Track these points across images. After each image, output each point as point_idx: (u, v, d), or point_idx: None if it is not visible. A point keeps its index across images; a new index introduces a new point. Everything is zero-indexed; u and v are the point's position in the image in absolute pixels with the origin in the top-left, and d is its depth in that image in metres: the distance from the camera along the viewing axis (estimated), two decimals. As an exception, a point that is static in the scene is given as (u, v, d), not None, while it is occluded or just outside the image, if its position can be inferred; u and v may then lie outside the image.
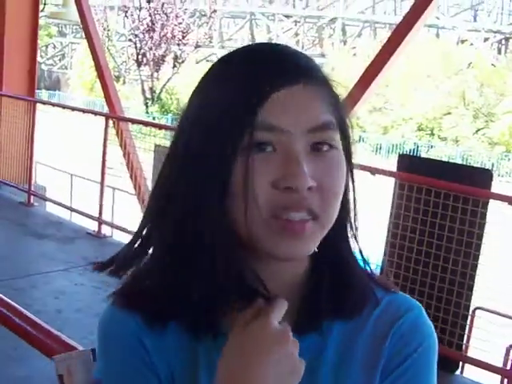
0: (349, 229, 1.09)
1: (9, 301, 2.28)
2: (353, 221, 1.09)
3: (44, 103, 10.92)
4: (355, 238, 1.10)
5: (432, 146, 32.44)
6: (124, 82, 39.55)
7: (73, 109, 10.13)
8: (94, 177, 9.66)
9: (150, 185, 7.80)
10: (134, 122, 9.87)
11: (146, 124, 10.01)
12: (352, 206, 1.08)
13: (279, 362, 0.94)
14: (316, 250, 1.04)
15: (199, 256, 1.01)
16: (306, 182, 0.95)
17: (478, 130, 32.92)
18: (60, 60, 52.65)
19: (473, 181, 5.17)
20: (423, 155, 27.70)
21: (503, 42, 44.67)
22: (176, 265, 1.04)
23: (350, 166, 1.05)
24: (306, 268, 1.09)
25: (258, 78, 0.98)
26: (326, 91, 1.01)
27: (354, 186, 1.07)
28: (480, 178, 5.27)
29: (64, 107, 10.48)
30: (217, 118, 0.98)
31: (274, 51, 1.03)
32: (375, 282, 1.12)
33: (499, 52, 42.77)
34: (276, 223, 0.97)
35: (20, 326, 2.18)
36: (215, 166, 0.97)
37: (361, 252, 1.12)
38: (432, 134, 34.09)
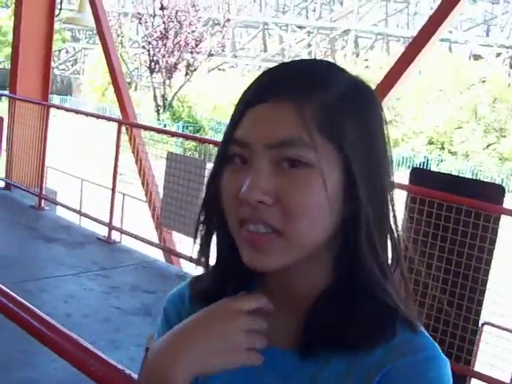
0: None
1: (25, 303, 2.30)
2: (373, 245, 1.03)
3: (58, 108, 10.98)
4: (377, 264, 1.04)
5: (442, 160, 32.38)
6: (136, 89, 39.67)
7: (86, 114, 10.17)
8: (103, 182, 9.69)
9: (161, 192, 7.81)
10: (147, 128, 9.90)
11: (159, 131, 10.03)
12: (366, 227, 1.02)
13: (220, 335, 1.00)
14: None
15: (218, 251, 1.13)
16: (254, 195, 0.97)
17: (489, 145, 32.86)
18: (72, 65, 52.88)
19: (485, 196, 5.16)
20: (433, 169, 27.67)
21: (516, 57, 44.64)
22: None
23: (359, 185, 1.01)
24: (326, 287, 1.08)
25: (244, 96, 1.05)
26: (300, 108, 0.98)
27: (367, 206, 1.02)
28: (492, 193, 5.26)
29: (78, 112, 10.53)
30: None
31: (272, 70, 1.07)
32: (402, 316, 1.04)
33: (511, 67, 42.72)
34: (242, 233, 1.02)
35: (37, 328, 2.20)
36: (210, 179, 1.08)
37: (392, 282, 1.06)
38: (442, 148, 34.02)
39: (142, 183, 8.95)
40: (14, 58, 10.62)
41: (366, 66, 37.41)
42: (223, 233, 1.08)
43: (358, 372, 1.02)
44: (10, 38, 30.18)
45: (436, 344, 1.02)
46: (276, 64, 1.09)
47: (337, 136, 1.00)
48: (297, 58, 1.12)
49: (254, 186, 0.98)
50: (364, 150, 1.02)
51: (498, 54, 43.20)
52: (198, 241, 1.13)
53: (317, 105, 1.00)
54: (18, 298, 2.35)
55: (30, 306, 2.29)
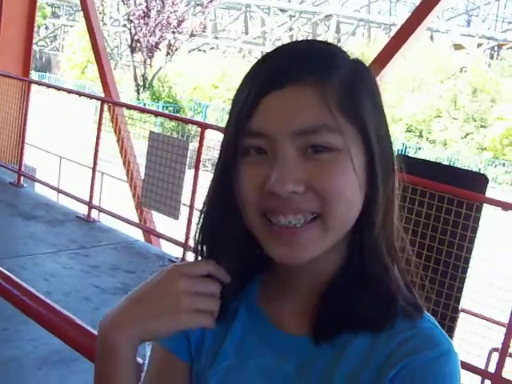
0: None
1: (13, 276, 2.31)
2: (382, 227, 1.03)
3: (39, 84, 10.86)
4: (389, 250, 1.04)
5: (420, 148, 32.56)
6: (115, 67, 39.40)
7: (68, 91, 10.08)
8: (81, 160, 9.62)
9: (143, 171, 7.77)
10: (130, 107, 9.82)
11: (143, 110, 9.96)
12: (380, 209, 1.02)
13: (162, 297, 1.00)
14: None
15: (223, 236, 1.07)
16: (286, 187, 0.95)
17: (467, 134, 33.08)
18: (52, 42, 52.39)
19: (468, 184, 5.19)
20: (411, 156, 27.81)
21: (496, 48, 44.85)
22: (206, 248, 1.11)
23: (377, 167, 1.00)
24: (336, 271, 1.06)
25: (252, 85, 1.00)
26: (322, 93, 0.96)
27: (381, 188, 1.01)
28: (475, 182, 5.29)
29: (59, 89, 10.41)
30: (227, 124, 1.05)
31: (277, 53, 1.02)
32: (408, 301, 1.03)
33: (491, 58, 42.94)
34: (268, 227, 0.99)
35: (25, 302, 2.21)
36: (222, 171, 1.03)
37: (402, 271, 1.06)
38: (421, 136, 34.21)
39: (124, 163, 8.89)
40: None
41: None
42: (229, 226, 1.05)
43: (376, 359, 1.00)
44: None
45: (448, 336, 1.01)
46: (276, 47, 1.05)
47: (357, 116, 0.98)
48: (280, 41, 1.08)
49: (284, 177, 0.95)
50: (378, 129, 1.02)
51: (479, 45, 43.39)
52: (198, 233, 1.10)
53: (336, 85, 0.97)
54: (5, 271, 2.35)
55: (17, 279, 2.30)
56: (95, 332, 1.95)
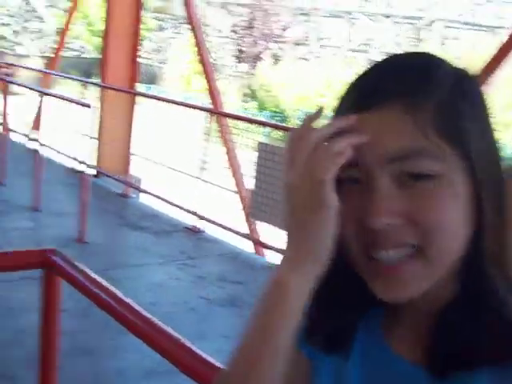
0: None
1: (115, 290, 2.33)
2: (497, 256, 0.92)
3: (148, 97, 11.10)
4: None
5: None
6: (219, 78, 39.95)
7: (176, 103, 10.23)
8: (186, 170, 9.71)
9: (248, 182, 7.74)
10: (239, 118, 9.87)
11: (250, 121, 9.99)
12: (491, 238, 0.91)
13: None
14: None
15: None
16: (381, 221, 0.88)
17: None
18: (157, 54, 53.58)
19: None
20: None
21: None
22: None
23: (484, 194, 0.90)
24: (453, 295, 0.95)
25: (345, 104, 0.95)
26: (417, 114, 0.87)
27: (491, 215, 0.91)
28: None
29: (167, 101, 10.59)
30: None
31: (371, 71, 0.95)
32: None
33: None
34: (369, 263, 0.93)
35: (126, 317, 2.24)
36: None
37: None
38: None
39: (233, 174, 8.93)
40: (105, 48, 10.73)
41: (456, 57, 36.78)
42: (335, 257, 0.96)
43: None
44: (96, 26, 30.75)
45: None
46: (380, 55, 0.96)
47: (459, 139, 0.89)
48: (385, 47, 0.97)
49: (379, 210, 0.88)
50: (485, 151, 0.92)
51: None
52: None
53: (433, 105, 0.89)
54: (108, 285, 2.37)
55: (119, 293, 2.32)
56: (191, 345, 1.92)
